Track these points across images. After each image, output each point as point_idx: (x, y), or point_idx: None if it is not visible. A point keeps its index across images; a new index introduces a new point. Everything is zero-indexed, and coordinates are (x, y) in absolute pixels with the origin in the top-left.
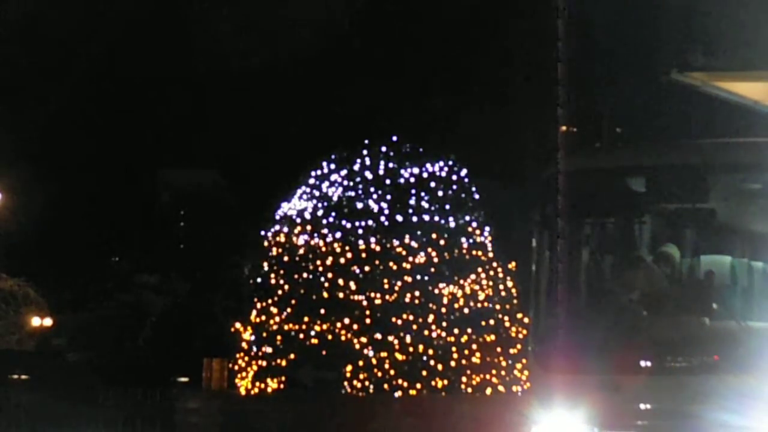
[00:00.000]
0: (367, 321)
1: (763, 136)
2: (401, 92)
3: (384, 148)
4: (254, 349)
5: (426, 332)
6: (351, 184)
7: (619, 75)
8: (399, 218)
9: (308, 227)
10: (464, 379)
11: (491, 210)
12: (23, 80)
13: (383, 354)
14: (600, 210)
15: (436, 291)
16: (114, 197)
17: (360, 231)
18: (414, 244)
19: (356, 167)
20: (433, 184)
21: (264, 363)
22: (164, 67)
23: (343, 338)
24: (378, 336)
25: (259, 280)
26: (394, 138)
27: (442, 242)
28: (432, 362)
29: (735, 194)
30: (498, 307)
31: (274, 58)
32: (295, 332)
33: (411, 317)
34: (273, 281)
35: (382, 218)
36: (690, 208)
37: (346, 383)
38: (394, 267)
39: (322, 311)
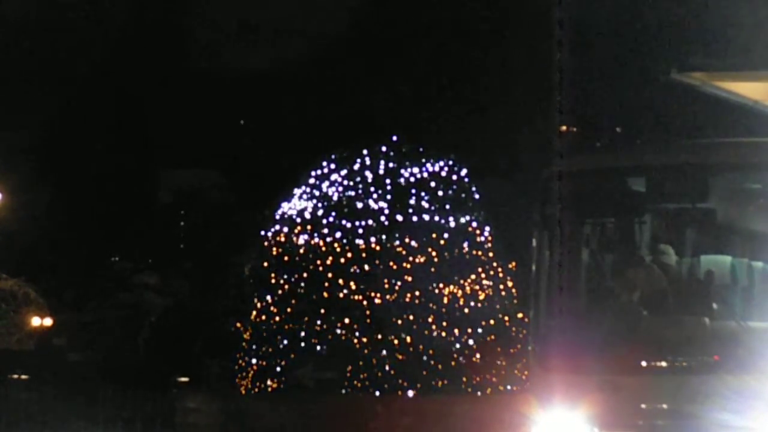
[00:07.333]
0: (367, 321)
1: (763, 136)
2: (401, 92)
3: (384, 148)
4: (254, 349)
5: (426, 332)
6: (351, 184)
7: (619, 75)
8: (399, 218)
9: (308, 227)
10: (464, 379)
11: (491, 210)
12: (23, 80)
13: (383, 354)
14: (600, 210)
15: (436, 291)
16: (114, 197)
17: (360, 231)
18: (414, 244)
19: (356, 167)
20: (433, 184)
21: (264, 363)
22: (165, 67)
23: (343, 338)
24: (378, 336)
25: (259, 280)
26: (394, 138)
27: (442, 242)
28: (432, 362)
29: (735, 194)
30: (498, 307)
31: (275, 58)
32: (295, 332)
33: (411, 317)
34: (273, 281)
35: (382, 218)
36: (690, 208)
37: (346, 383)
38: (394, 267)
39: (322, 311)
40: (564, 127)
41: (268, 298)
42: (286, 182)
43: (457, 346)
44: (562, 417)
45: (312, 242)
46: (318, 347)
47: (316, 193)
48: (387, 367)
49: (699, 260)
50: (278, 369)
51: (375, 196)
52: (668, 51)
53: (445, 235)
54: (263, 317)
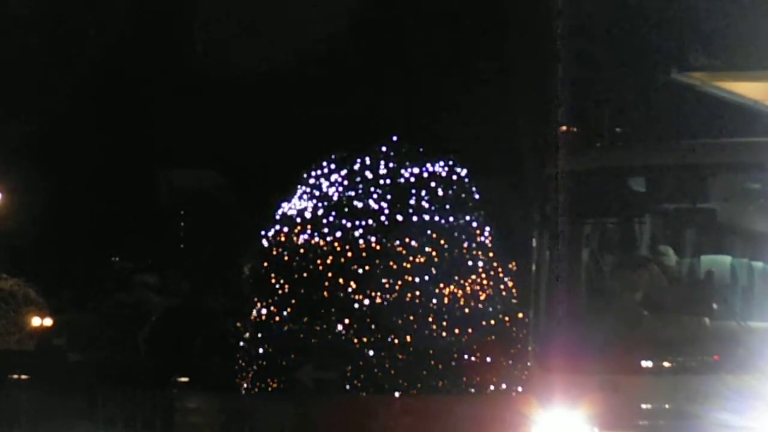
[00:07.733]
0: (367, 321)
1: (763, 136)
2: (402, 92)
3: (384, 148)
4: (254, 349)
5: (426, 332)
6: (351, 183)
7: (619, 75)
8: (399, 218)
9: (308, 227)
10: (464, 379)
11: (491, 210)
12: (24, 80)
13: (383, 354)
14: (600, 210)
15: (436, 291)
16: (114, 197)
17: (360, 231)
18: (414, 243)
19: (356, 167)
20: (433, 184)
21: (264, 363)
22: (165, 66)
23: (343, 338)
24: (378, 336)
25: (259, 280)
26: (394, 138)
27: (442, 242)
28: (432, 362)
29: (735, 194)
30: (498, 307)
31: (275, 58)
32: (295, 332)
33: (411, 317)
34: (273, 281)
35: (382, 218)
36: (690, 208)
37: (346, 383)
38: (394, 267)
39: (322, 311)
40: (564, 127)
41: (268, 298)
42: (286, 182)
43: (457, 346)
44: (562, 417)
45: (312, 242)
46: (318, 347)
47: (316, 193)
48: (387, 367)
49: (699, 260)
50: (278, 369)
51: (375, 196)
52: (668, 51)
53: (445, 236)
54: (263, 317)
